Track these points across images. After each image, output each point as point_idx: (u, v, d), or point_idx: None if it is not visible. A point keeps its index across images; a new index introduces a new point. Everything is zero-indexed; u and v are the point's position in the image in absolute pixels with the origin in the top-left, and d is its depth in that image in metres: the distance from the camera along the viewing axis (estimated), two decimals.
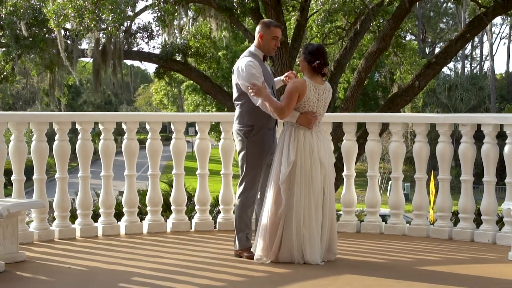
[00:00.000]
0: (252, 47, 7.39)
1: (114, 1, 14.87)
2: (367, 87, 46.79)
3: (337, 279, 6.50)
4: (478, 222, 8.70)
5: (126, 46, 19.95)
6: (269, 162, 7.27)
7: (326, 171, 7.11)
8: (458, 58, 71.58)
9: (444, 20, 69.94)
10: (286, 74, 7.61)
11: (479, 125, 8.42)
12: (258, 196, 7.37)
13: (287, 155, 6.98)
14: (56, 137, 8.44)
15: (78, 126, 8.53)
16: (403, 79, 24.96)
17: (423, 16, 62.01)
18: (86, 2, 14.92)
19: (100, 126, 8.70)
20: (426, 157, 8.81)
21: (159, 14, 17.50)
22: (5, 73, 20.12)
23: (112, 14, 14.81)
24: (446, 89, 49.74)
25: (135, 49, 20.67)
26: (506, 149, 8.18)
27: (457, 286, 6.32)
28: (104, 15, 14.95)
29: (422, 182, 8.85)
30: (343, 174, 9.06)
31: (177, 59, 21.48)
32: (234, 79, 7.31)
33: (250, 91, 7.03)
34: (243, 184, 7.30)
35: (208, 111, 37.56)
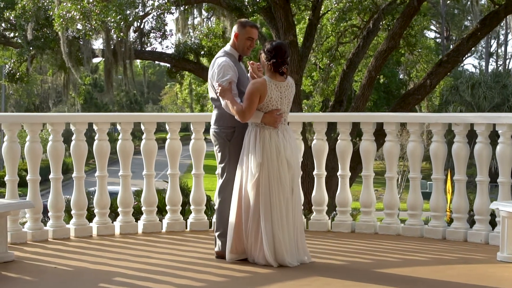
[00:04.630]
0: (227, 47, 7.27)
1: (119, 4, 14.92)
2: (390, 86, 46.46)
3: (317, 279, 6.48)
4: None
5: (139, 46, 20.06)
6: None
7: (294, 171, 7.00)
8: (483, 56, 70.86)
9: (469, 18, 69.29)
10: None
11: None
12: None
13: (254, 157, 6.86)
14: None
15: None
16: (419, 78, 24.79)
17: (447, 13, 61.41)
18: (90, 5, 15.01)
19: (95, 127, 8.76)
20: (420, 156, 8.76)
21: (158, 13, 17.58)
22: (19, 74, 20.38)
23: (120, 16, 14.88)
24: (470, 87, 49.31)
25: (148, 48, 20.76)
26: (499, 148, 8.12)
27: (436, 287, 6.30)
28: (109, 18, 15.00)
29: (417, 182, 8.79)
30: (338, 174, 9.04)
31: (190, 58, 21.51)
32: (210, 79, 7.19)
33: (217, 90, 6.96)
34: (224, 187, 7.20)
35: None
